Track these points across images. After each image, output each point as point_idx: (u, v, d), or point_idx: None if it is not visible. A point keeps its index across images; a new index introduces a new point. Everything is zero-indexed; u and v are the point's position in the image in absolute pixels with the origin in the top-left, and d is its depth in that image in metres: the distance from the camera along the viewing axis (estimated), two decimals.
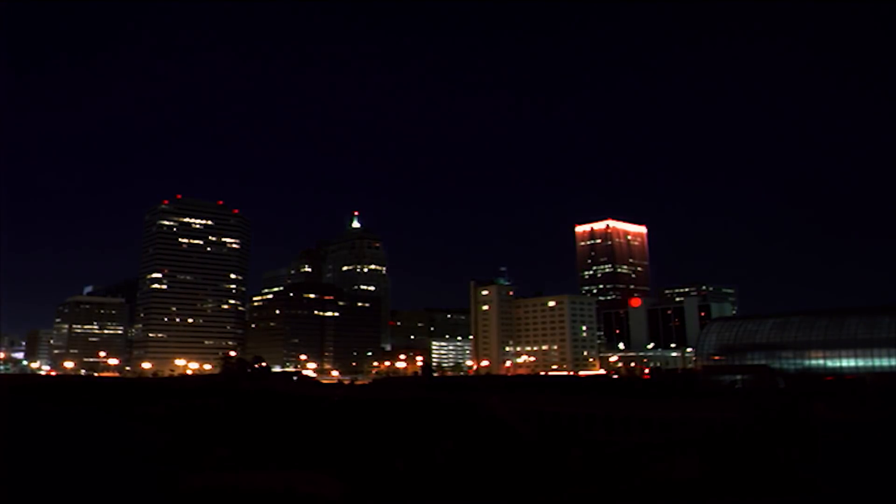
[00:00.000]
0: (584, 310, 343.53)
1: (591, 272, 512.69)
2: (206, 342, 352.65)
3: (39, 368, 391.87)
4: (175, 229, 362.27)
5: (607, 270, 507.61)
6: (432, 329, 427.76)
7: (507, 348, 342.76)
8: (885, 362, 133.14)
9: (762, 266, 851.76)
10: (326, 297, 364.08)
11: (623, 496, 44.60)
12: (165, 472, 51.03)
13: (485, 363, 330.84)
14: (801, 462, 46.73)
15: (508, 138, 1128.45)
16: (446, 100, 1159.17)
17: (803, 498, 38.23)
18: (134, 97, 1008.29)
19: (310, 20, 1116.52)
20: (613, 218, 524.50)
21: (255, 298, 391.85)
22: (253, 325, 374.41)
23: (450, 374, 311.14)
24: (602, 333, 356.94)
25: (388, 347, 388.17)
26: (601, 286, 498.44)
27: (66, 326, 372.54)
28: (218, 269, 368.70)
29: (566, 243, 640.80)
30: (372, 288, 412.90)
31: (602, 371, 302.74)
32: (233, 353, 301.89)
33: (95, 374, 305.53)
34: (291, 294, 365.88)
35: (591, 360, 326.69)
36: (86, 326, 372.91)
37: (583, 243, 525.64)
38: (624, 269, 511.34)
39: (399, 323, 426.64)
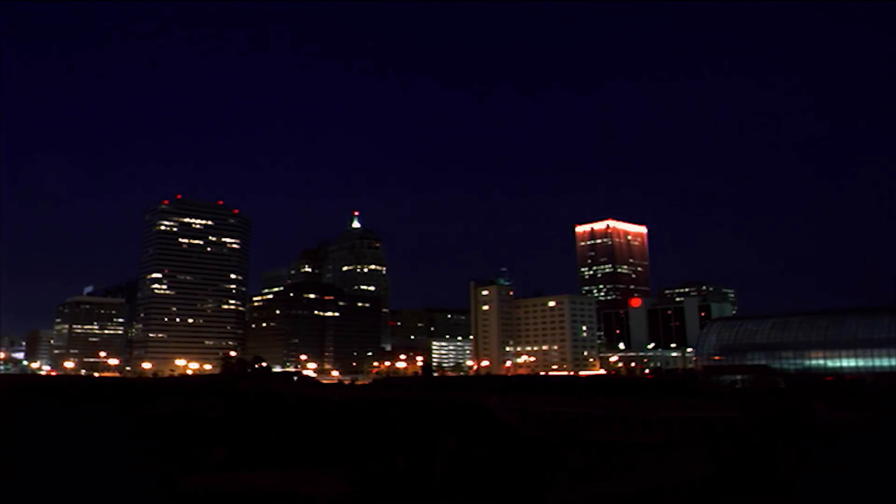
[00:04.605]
0: (584, 310, 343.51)
1: (591, 272, 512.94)
2: (206, 342, 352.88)
3: (40, 368, 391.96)
4: (175, 229, 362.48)
5: (607, 270, 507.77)
6: (432, 329, 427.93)
7: (508, 348, 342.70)
8: (885, 362, 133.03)
9: (762, 266, 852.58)
10: (326, 297, 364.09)
11: (623, 496, 44.57)
12: (165, 472, 50.98)
13: (485, 363, 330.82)
14: (801, 462, 46.70)
15: (508, 139, 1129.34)
16: (447, 100, 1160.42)
17: (803, 498, 38.20)
18: (134, 97, 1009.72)
19: (310, 20, 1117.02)
20: (613, 218, 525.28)
21: (255, 298, 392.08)
22: (253, 325, 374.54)
23: (450, 374, 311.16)
24: (602, 333, 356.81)
25: (388, 347, 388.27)
26: (601, 286, 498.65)
27: (67, 326, 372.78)
28: (218, 269, 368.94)
29: (566, 243, 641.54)
30: (372, 288, 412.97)
31: (602, 371, 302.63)
32: (233, 353, 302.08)
33: (95, 374, 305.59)
34: (291, 294, 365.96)
35: (591, 360, 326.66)
36: (86, 326, 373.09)
37: (583, 243, 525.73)
38: (624, 269, 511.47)
39: (399, 323, 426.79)
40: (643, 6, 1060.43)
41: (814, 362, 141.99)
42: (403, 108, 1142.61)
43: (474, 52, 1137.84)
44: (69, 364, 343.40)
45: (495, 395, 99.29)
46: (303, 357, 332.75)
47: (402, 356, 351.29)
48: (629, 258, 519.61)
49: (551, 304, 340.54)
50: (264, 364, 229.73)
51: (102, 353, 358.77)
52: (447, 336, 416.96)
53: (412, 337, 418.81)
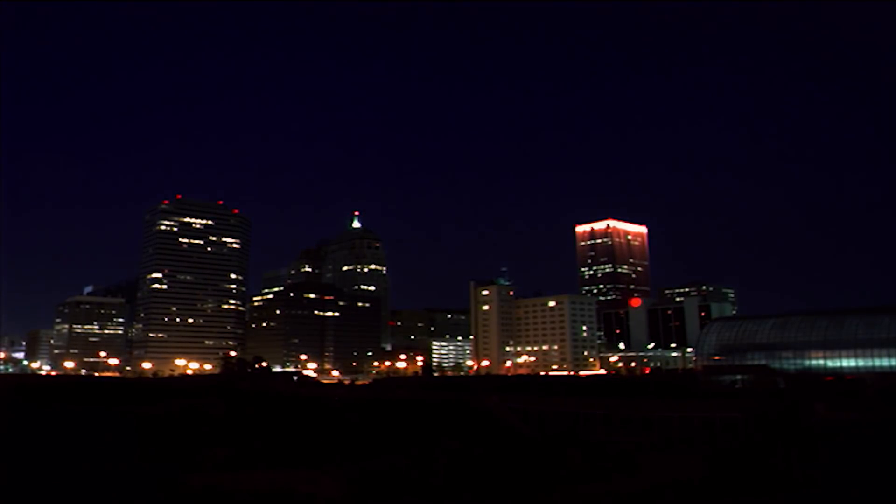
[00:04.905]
0: (584, 310, 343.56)
1: (591, 272, 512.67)
2: (206, 342, 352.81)
3: (40, 368, 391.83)
4: (175, 229, 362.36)
5: (607, 270, 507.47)
6: (432, 329, 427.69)
7: (508, 348, 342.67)
8: (885, 362, 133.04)
9: (762, 266, 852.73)
10: (326, 297, 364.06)
11: (623, 496, 44.58)
12: (165, 472, 50.99)
13: (485, 363, 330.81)
14: (801, 462, 46.70)
15: (508, 138, 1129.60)
16: (447, 100, 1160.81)
17: (803, 498, 38.22)
18: (134, 97, 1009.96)
19: (310, 21, 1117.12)
20: (613, 218, 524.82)
21: (255, 298, 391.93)
22: (253, 325, 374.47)
23: (450, 374, 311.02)
24: (602, 333, 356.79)
25: (388, 347, 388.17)
26: (601, 286, 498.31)
27: (67, 326, 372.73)
28: (218, 269, 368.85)
29: (566, 243, 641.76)
30: (372, 288, 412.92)
31: (602, 371, 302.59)
32: (233, 353, 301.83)
33: (95, 374, 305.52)
34: (291, 294, 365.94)
35: (591, 360, 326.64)
36: (86, 326, 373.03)
37: (583, 243, 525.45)
38: (624, 269, 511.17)
39: (399, 323, 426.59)
40: (643, 4, 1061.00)
41: (814, 362, 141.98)
42: (403, 108, 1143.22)
43: (475, 51, 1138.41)
44: (69, 364, 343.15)
45: (495, 395, 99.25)
46: (303, 357, 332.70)
47: (402, 356, 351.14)
48: (629, 258, 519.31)
49: (551, 304, 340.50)
50: (264, 364, 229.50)
51: (102, 353, 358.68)
52: (447, 336, 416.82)
53: (412, 337, 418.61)
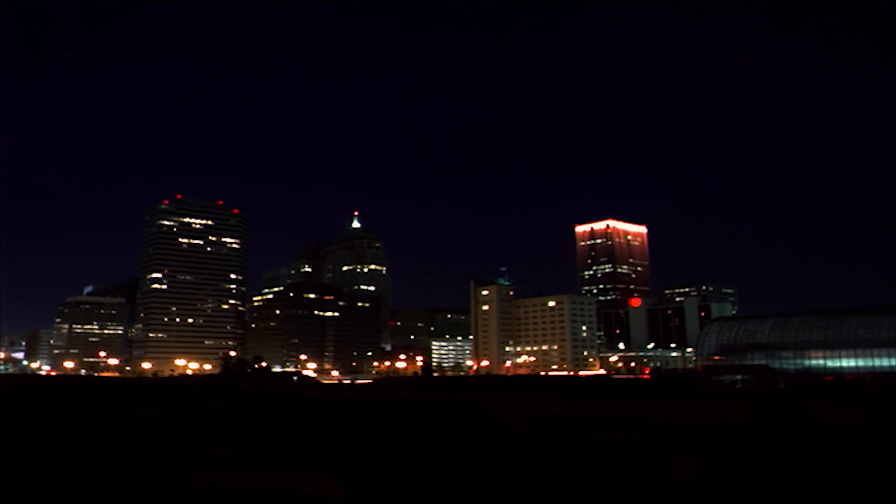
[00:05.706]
0: (584, 310, 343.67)
1: (591, 272, 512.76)
2: (206, 342, 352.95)
3: (39, 368, 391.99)
4: (175, 229, 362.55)
5: (607, 270, 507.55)
6: (432, 329, 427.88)
7: (507, 348, 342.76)
8: (885, 362, 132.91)
9: (762, 266, 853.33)
10: (326, 297, 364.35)
11: (623, 496, 44.61)
12: (165, 472, 51.00)
13: (485, 363, 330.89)
14: (801, 462, 46.70)
15: (508, 138, 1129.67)
16: (446, 99, 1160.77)
17: (803, 498, 38.23)
18: (134, 97, 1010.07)
19: (310, 20, 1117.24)
20: (613, 218, 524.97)
21: (255, 298, 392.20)
22: (253, 325, 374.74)
23: (450, 373, 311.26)
24: (602, 333, 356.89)
25: (388, 347, 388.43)
26: (601, 286, 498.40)
27: (66, 326, 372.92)
28: (218, 269, 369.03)
29: (566, 243, 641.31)
30: (372, 288, 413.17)
31: (602, 371, 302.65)
32: (233, 353, 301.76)
33: (95, 374, 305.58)
34: (291, 294, 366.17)
35: (591, 360, 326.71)
36: (86, 326, 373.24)
37: (583, 243, 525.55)
38: (624, 269, 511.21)
39: (399, 323, 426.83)
40: (644, 4, 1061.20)
41: (814, 362, 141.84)
42: (403, 107, 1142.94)
43: (475, 50, 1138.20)
44: (69, 364, 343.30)
45: (495, 395, 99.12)
46: (303, 357, 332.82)
47: (402, 356, 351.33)
48: (629, 258, 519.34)
49: (551, 304, 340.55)
50: (264, 364, 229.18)
51: (102, 353, 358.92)
52: (447, 336, 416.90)
53: (412, 337, 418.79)
